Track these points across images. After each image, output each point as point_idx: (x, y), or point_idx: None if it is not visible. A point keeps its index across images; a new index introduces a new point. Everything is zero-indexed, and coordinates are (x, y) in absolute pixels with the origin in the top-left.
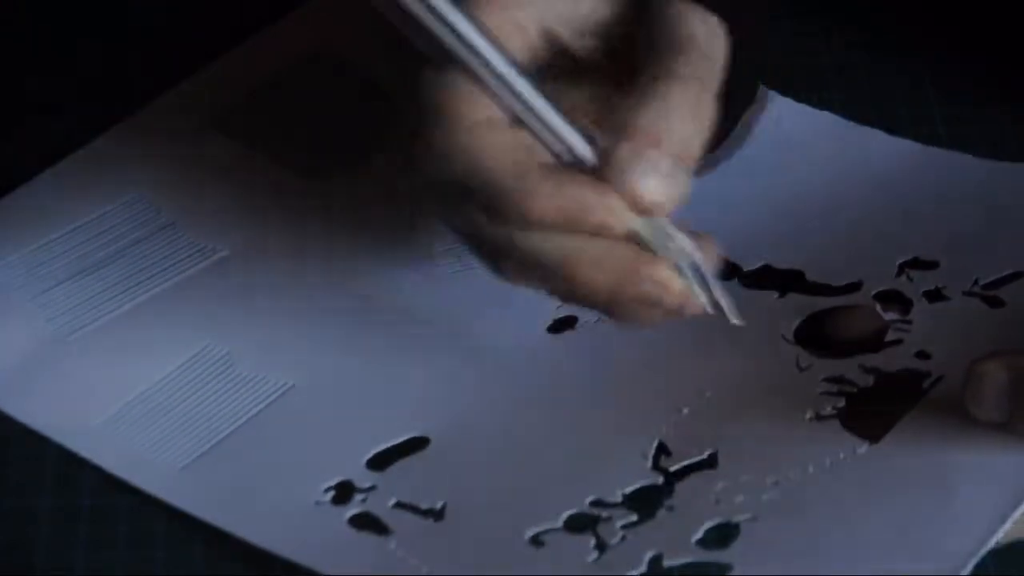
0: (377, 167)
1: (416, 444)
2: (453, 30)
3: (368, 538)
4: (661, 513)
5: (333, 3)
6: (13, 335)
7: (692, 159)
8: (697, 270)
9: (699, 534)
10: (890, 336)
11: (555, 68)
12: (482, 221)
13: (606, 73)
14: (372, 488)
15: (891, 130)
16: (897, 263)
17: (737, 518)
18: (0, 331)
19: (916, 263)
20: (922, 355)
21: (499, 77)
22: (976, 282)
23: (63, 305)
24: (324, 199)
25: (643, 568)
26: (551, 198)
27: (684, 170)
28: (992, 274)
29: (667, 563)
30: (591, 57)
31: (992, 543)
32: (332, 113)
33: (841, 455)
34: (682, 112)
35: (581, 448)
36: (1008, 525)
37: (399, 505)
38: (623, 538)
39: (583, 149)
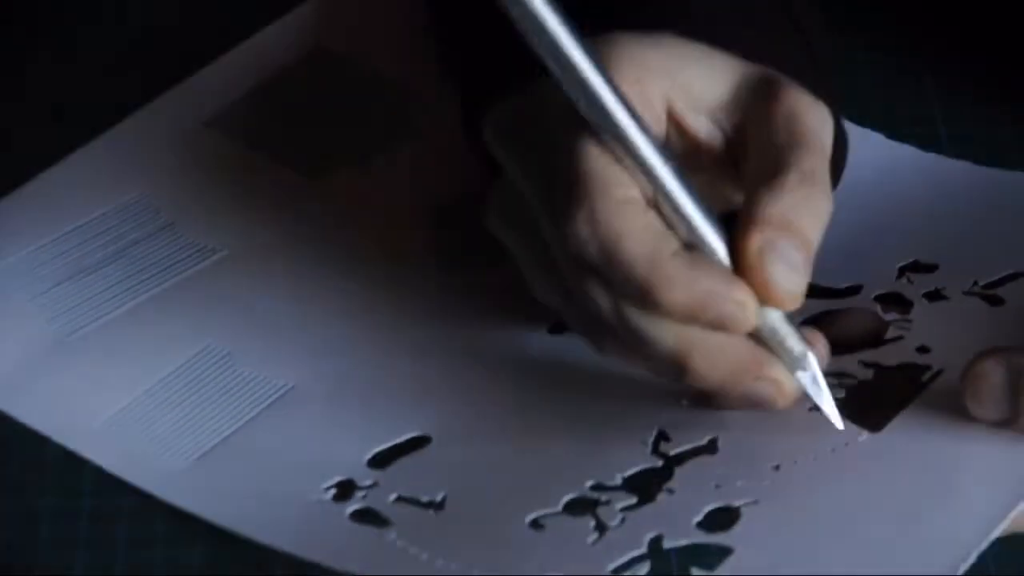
0: (378, 167)
1: (417, 443)
2: (600, 107)
3: (369, 530)
4: (661, 496)
5: (333, 2)
6: (13, 335)
7: (813, 253)
8: (810, 371)
9: (699, 517)
10: (890, 334)
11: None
12: (602, 298)
13: (715, 159)
14: (373, 485)
15: (891, 129)
16: (897, 266)
17: (738, 502)
18: (0, 331)
19: (916, 266)
20: (922, 349)
21: (643, 159)
22: (976, 283)
23: (63, 305)
24: (324, 199)
25: (643, 549)
26: (685, 288)
27: (809, 263)
28: (991, 275)
29: (667, 545)
30: (707, 140)
31: (992, 538)
32: (332, 112)
33: (843, 443)
34: (806, 206)
35: (580, 437)
36: (1008, 521)
37: (400, 499)
38: (623, 520)
39: (715, 240)
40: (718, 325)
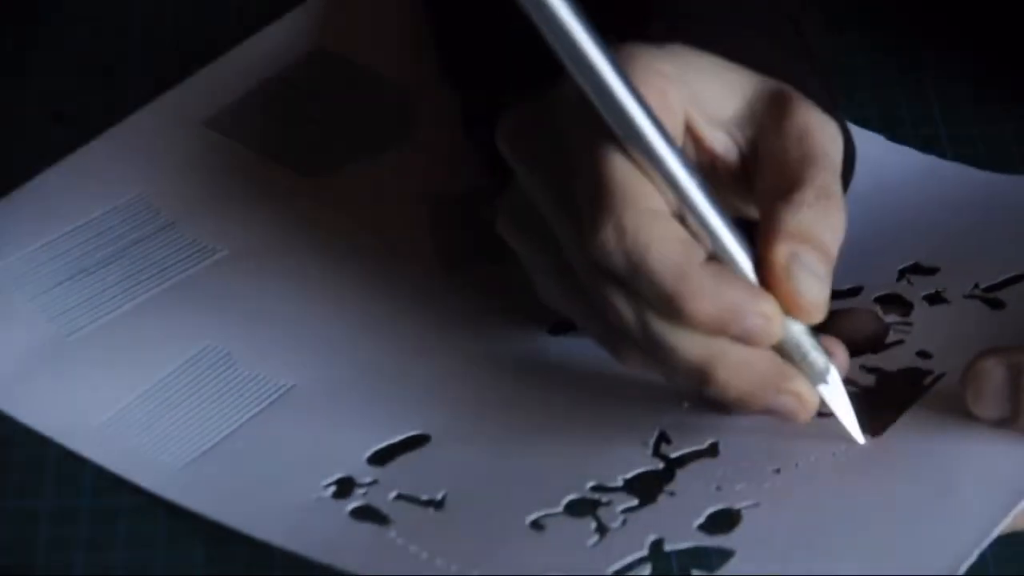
0: (378, 166)
1: (417, 441)
2: (627, 119)
3: (369, 528)
4: (662, 498)
5: (333, 2)
6: (13, 335)
7: (833, 267)
8: (831, 383)
9: (700, 519)
10: (891, 338)
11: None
12: (625, 308)
13: (728, 172)
14: (373, 483)
15: (891, 130)
16: (897, 268)
17: (739, 504)
18: (0, 331)
19: (916, 269)
20: (923, 354)
21: (670, 171)
22: (976, 286)
23: (63, 305)
24: (324, 199)
25: (644, 552)
26: (713, 300)
27: (831, 276)
28: (992, 278)
29: (668, 547)
30: (721, 153)
31: (991, 539)
32: (333, 112)
33: (843, 446)
34: (824, 220)
35: (581, 438)
36: (1008, 520)
37: (400, 497)
38: (624, 522)
39: (740, 252)
40: (744, 337)
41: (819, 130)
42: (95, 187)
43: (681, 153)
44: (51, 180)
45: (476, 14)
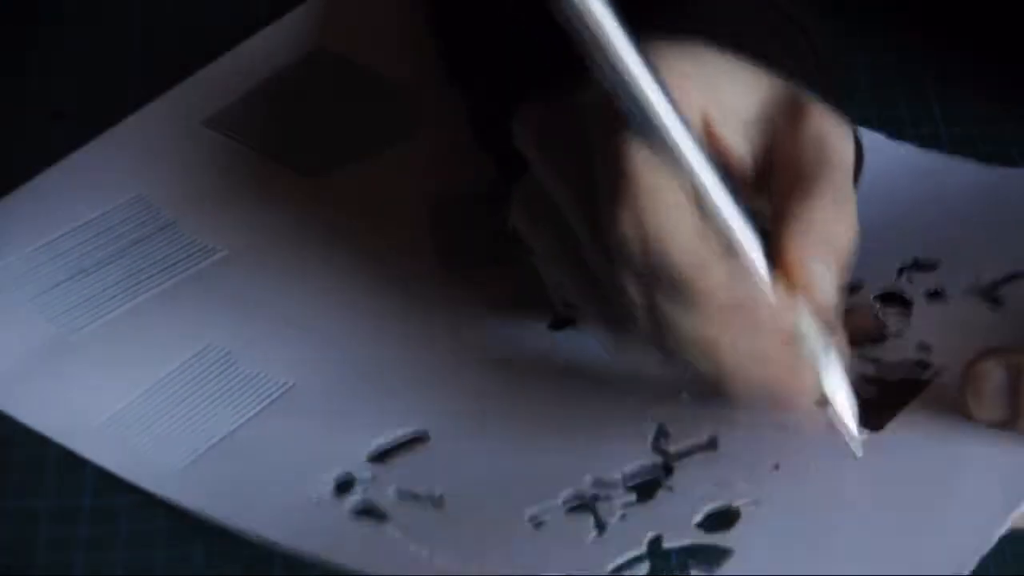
0: (377, 166)
1: (416, 439)
2: (653, 113)
3: (369, 526)
4: (661, 494)
5: (333, 2)
6: (13, 335)
7: (844, 267)
8: (833, 380)
9: (699, 517)
10: (890, 333)
11: None
12: (641, 299)
13: (743, 172)
14: (372, 480)
15: (891, 129)
16: (897, 266)
17: (738, 502)
18: (0, 331)
19: (916, 265)
20: (923, 350)
21: (691, 165)
22: (976, 283)
23: (63, 305)
24: (324, 199)
25: (642, 549)
26: (725, 290)
27: (841, 275)
28: (991, 275)
29: (667, 545)
30: (737, 154)
31: (994, 540)
32: (332, 112)
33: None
34: (838, 223)
35: (580, 432)
36: (1010, 521)
37: (399, 494)
38: (623, 517)
39: (756, 246)
40: (755, 328)
41: (833, 135)
42: (95, 187)
43: (703, 146)
44: (51, 180)
45: (477, 14)
